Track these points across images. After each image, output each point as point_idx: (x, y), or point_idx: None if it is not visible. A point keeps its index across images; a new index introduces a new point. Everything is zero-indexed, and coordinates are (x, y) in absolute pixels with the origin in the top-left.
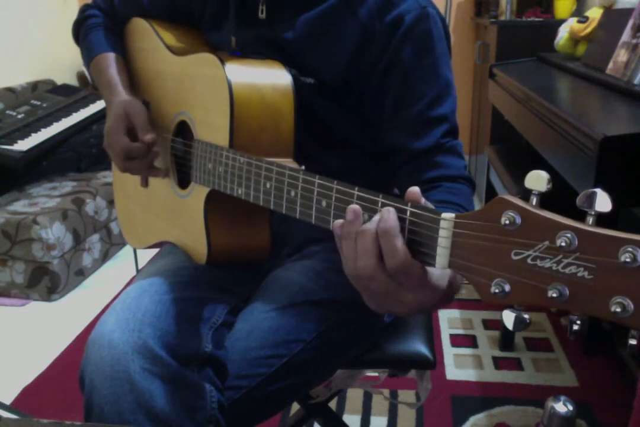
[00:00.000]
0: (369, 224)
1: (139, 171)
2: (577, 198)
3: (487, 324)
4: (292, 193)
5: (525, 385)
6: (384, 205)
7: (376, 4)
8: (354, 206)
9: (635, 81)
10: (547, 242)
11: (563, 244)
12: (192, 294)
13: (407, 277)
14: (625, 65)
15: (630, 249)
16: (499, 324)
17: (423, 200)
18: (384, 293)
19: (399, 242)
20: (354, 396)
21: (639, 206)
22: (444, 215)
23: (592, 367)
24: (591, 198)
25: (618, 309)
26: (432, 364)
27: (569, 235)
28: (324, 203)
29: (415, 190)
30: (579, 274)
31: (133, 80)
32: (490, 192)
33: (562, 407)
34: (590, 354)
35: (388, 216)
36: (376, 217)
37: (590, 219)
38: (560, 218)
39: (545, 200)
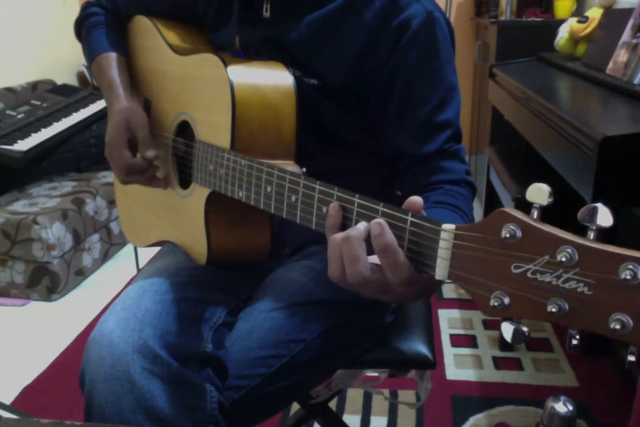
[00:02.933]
0: (353, 231)
1: (139, 183)
2: (578, 212)
3: (487, 324)
4: (293, 198)
5: (525, 385)
6: (384, 213)
7: (382, 8)
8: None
9: (635, 81)
10: (547, 257)
11: (563, 258)
12: (193, 294)
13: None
14: (625, 65)
15: (630, 266)
16: (498, 324)
17: (424, 211)
18: (378, 291)
19: (401, 257)
20: (354, 396)
21: (639, 206)
22: (444, 226)
23: (592, 367)
24: (592, 213)
25: (617, 326)
26: (432, 364)
27: (569, 250)
28: (324, 209)
29: (416, 200)
30: (579, 290)
31: (135, 78)
32: (491, 192)
33: (562, 407)
34: (590, 354)
35: (383, 230)
36: (360, 226)
37: (592, 234)
38: (561, 232)
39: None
